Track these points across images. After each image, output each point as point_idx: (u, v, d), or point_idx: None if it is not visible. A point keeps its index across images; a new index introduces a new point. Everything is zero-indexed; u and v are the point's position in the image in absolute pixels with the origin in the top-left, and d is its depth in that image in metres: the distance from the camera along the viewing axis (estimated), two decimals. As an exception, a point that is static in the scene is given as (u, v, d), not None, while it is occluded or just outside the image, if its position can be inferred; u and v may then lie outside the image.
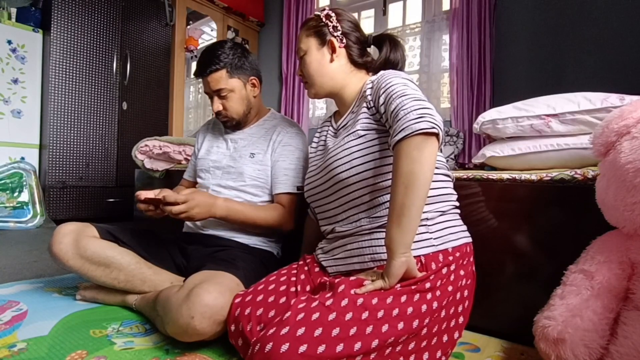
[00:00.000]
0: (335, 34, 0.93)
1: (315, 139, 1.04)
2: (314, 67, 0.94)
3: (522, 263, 0.92)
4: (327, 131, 1.00)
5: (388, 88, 0.79)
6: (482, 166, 1.18)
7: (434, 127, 0.66)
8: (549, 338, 0.65)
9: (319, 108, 3.46)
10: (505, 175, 0.96)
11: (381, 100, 0.80)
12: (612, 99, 0.94)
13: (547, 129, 1.02)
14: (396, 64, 0.96)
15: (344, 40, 0.94)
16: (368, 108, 0.85)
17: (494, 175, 0.97)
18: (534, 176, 0.91)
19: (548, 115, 1.01)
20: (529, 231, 0.91)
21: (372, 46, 0.99)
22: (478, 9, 2.46)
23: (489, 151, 1.11)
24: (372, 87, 0.86)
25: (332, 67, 0.94)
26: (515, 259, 0.93)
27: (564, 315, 0.66)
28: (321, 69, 0.94)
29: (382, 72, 0.87)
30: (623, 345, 0.62)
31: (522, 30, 2.38)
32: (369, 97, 0.85)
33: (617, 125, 0.70)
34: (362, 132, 0.83)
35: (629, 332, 0.63)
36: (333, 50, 0.93)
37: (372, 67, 0.97)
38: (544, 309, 0.70)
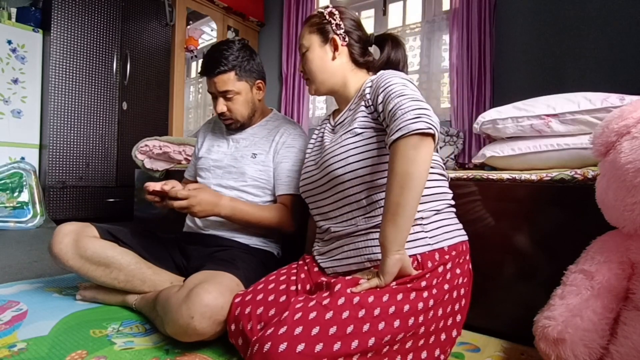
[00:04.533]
0: (338, 32, 0.93)
1: (314, 135, 1.04)
2: (316, 64, 0.95)
3: (522, 263, 0.92)
4: (325, 127, 1.00)
5: (387, 87, 0.79)
6: (482, 166, 1.18)
7: (430, 128, 0.67)
8: (549, 338, 0.65)
9: (319, 108, 3.45)
10: (505, 175, 0.96)
11: (379, 99, 0.80)
12: (612, 99, 0.94)
13: (547, 129, 1.02)
14: (397, 64, 0.96)
15: (347, 39, 0.94)
16: (366, 107, 0.85)
17: (494, 175, 0.97)
18: (534, 176, 0.91)
19: (548, 115, 1.01)
20: (529, 231, 0.91)
21: (373, 45, 0.99)
22: (478, 9, 2.46)
23: (489, 151, 1.11)
24: (371, 86, 0.86)
25: (333, 64, 0.94)
26: (515, 259, 0.93)
27: (564, 315, 0.66)
28: (323, 66, 0.94)
29: (382, 71, 0.88)
30: (623, 345, 0.62)
31: (522, 30, 2.38)
32: (368, 96, 0.86)
33: (617, 125, 0.70)
34: (360, 130, 0.83)
35: (629, 332, 0.63)
36: (335, 48, 0.93)
37: (373, 67, 0.97)
38: (544, 309, 0.70)
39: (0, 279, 1.32)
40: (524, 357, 0.85)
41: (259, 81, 1.19)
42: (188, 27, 3.37)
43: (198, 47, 3.36)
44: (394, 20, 3.08)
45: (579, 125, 0.98)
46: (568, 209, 0.87)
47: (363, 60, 0.96)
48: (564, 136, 1.01)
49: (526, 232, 0.92)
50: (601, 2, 2.09)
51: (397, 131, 0.68)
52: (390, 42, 0.96)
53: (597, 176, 0.77)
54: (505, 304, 0.94)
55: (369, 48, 0.99)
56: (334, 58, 0.94)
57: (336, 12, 0.94)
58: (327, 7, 0.96)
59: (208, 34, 3.94)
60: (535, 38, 2.32)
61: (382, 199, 0.78)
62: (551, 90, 1.15)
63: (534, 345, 0.69)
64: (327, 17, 0.94)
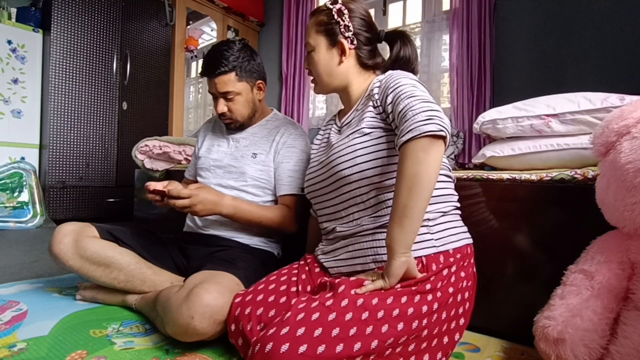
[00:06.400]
0: (346, 34, 0.90)
1: (319, 136, 1.03)
2: (321, 67, 0.93)
3: (522, 263, 0.92)
4: (331, 128, 0.99)
5: (396, 88, 0.78)
6: (482, 166, 1.18)
7: (441, 130, 0.66)
8: (549, 338, 0.65)
9: (319, 108, 3.45)
10: (505, 175, 0.96)
11: (389, 99, 0.79)
12: (612, 99, 0.95)
13: (547, 129, 1.02)
14: (405, 61, 0.94)
15: (355, 42, 0.91)
16: (374, 107, 0.84)
17: (494, 175, 0.97)
18: (534, 176, 0.91)
19: (548, 115, 1.01)
20: (529, 231, 0.91)
21: (383, 42, 0.97)
22: (478, 9, 2.46)
23: (489, 151, 1.11)
24: (379, 86, 0.85)
25: (340, 68, 0.92)
26: (515, 259, 0.93)
27: (564, 315, 0.66)
28: (329, 69, 0.92)
29: (390, 71, 0.86)
30: (623, 345, 0.62)
31: (522, 31, 2.38)
32: (376, 96, 0.84)
33: (617, 125, 0.70)
34: (367, 130, 0.82)
35: (629, 332, 0.63)
36: (343, 53, 0.91)
37: (381, 67, 0.95)
38: (544, 309, 0.70)
39: (0, 279, 1.32)
40: (524, 357, 0.85)
41: (259, 81, 1.19)
42: (188, 27, 3.37)
43: (198, 47, 3.36)
44: (394, 20, 3.08)
45: (579, 125, 0.98)
46: (568, 209, 0.87)
47: (371, 64, 0.94)
48: (564, 136, 1.01)
49: (526, 232, 0.92)
50: (601, 2, 2.09)
51: (407, 133, 0.68)
52: (399, 41, 0.94)
53: (597, 176, 0.77)
54: (505, 304, 0.94)
55: (379, 44, 0.96)
56: (340, 62, 0.91)
57: (345, 11, 0.90)
58: (336, 2, 0.92)
59: (208, 34, 3.94)
60: (535, 38, 2.32)
61: (389, 199, 0.77)
62: (551, 90, 1.15)
63: (534, 345, 0.69)
64: (336, 16, 0.90)
